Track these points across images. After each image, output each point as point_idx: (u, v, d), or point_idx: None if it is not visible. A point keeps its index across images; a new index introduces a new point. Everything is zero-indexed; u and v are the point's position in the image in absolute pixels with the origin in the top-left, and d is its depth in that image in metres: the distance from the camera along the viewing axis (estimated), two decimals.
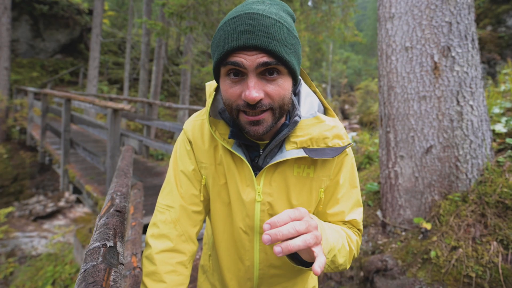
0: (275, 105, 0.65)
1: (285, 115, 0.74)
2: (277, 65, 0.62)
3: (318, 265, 0.53)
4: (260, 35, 0.59)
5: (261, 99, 0.63)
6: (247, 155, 0.77)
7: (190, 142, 0.84)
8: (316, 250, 0.56)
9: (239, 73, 0.63)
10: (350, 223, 0.83)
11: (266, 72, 0.63)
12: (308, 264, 0.67)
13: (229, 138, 0.74)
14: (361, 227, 0.85)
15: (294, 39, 0.64)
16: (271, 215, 0.79)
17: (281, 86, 0.65)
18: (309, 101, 0.78)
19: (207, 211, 0.89)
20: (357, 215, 0.83)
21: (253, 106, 0.63)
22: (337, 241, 0.70)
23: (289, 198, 0.78)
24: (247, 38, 0.59)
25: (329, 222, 0.83)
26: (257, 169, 0.78)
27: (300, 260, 0.69)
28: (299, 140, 0.73)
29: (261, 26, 0.59)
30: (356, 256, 0.80)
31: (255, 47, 0.59)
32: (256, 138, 0.75)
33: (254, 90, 0.61)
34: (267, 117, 0.66)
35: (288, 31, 0.63)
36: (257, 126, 0.66)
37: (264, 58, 0.60)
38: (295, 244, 0.52)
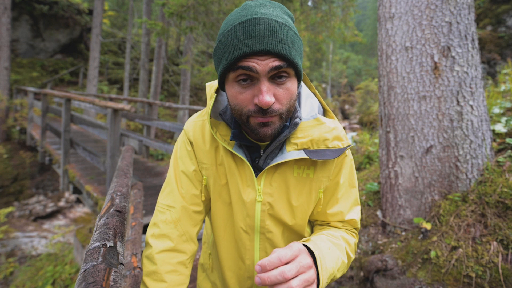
0: (283, 109, 0.66)
1: None
2: (287, 68, 0.63)
3: None
4: (271, 39, 0.59)
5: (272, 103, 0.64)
6: (248, 156, 0.77)
7: (191, 142, 0.84)
8: None
9: (248, 78, 0.64)
10: (349, 223, 0.84)
11: (275, 76, 0.63)
12: None
13: (230, 140, 0.75)
14: (359, 226, 0.86)
15: (299, 41, 0.66)
16: (272, 215, 0.80)
17: (290, 89, 0.66)
18: (309, 103, 0.79)
19: (207, 210, 0.90)
20: (356, 214, 0.85)
21: (264, 111, 0.64)
22: (336, 262, 0.70)
23: (289, 198, 0.79)
24: (259, 43, 0.59)
25: (329, 221, 0.85)
26: (257, 169, 0.79)
27: None
28: (299, 142, 0.74)
29: (272, 30, 0.60)
30: (354, 258, 0.81)
31: (267, 52, 0.60)
32: (264, 139, 0.75)
33: (268, 95, 0.62)
34: (276, 119, 0.67)
35: (294, 34, 0.64)
36: (266, 127, 0.67)
37: (276, 62, 0.61)
38: None
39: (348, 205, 0.83)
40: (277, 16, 0.62)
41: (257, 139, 0.77)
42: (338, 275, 0.72)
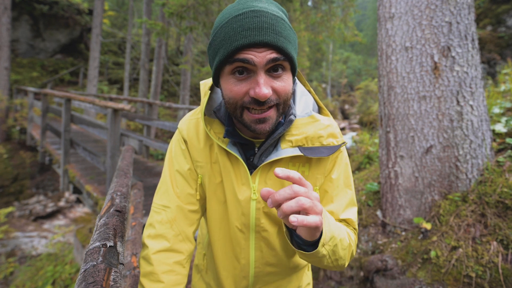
0: (280, 101, 0.66)
1: None
2: (283, 61, 0.63)
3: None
4: (268, 32, 0.60)
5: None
6: (242, 154, 0.77)
7: (185, 141, 0.84)
8: (314, 215, 0.55)
9: (245, 71, 0.63)
10: (346, 222, 0.83)
11: (271, 69, 0.64)
12: (308, 246, 0.65)
13: (224, 137, 0.75)
14: (357, 227, 0.85)
15: (294, 35, 0.67)
16: (267, 214, 0.80)
17: (286, 82, 0.66)
18: (304, 100, 0.79)
19: (204, 210, 0.89)
20: (352, 214, 0.83)
21: (261, 103, 0.64)
22: (339, 231, 0.69)
23: None
24: (257, 35, 0.59)
25: None
26: (252, 167, 0.78)
27: (300, 242, 0.66)
28: (294, 139, 0.74)
29: (269, 23, 0.60)
30: (354, 254, 0.79)
31: (264, 43, 0.60)
32: (260, 135, 0.75)
33: (265, 87, 0.62)
34: (272, 114, 0.67)
35: (290, 28, 0.65)
36: (263, 123, 0.67)
37: (273, 54, 0.61)
38: (289, 205, 0.53)
39: (343, 204, 0.82)
40: (273, 10, 0.63)
41: (251, 136, 0.77)
42: (341, 252, 0.69)
